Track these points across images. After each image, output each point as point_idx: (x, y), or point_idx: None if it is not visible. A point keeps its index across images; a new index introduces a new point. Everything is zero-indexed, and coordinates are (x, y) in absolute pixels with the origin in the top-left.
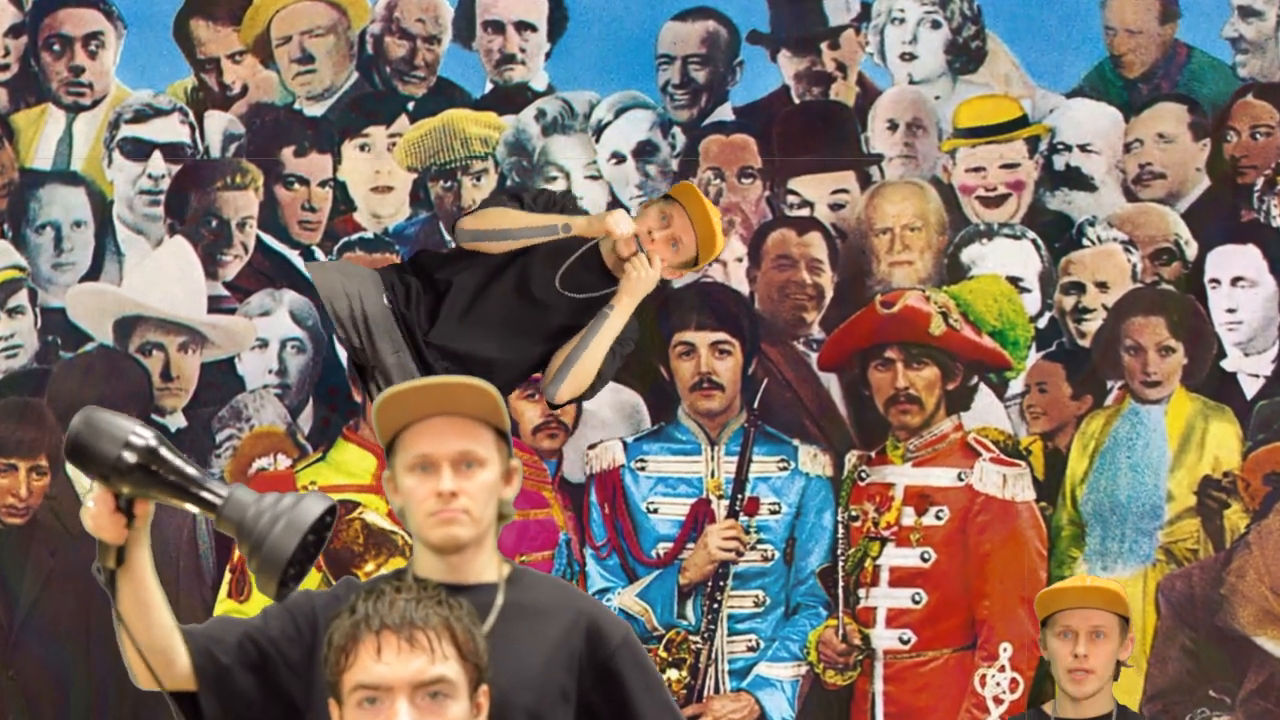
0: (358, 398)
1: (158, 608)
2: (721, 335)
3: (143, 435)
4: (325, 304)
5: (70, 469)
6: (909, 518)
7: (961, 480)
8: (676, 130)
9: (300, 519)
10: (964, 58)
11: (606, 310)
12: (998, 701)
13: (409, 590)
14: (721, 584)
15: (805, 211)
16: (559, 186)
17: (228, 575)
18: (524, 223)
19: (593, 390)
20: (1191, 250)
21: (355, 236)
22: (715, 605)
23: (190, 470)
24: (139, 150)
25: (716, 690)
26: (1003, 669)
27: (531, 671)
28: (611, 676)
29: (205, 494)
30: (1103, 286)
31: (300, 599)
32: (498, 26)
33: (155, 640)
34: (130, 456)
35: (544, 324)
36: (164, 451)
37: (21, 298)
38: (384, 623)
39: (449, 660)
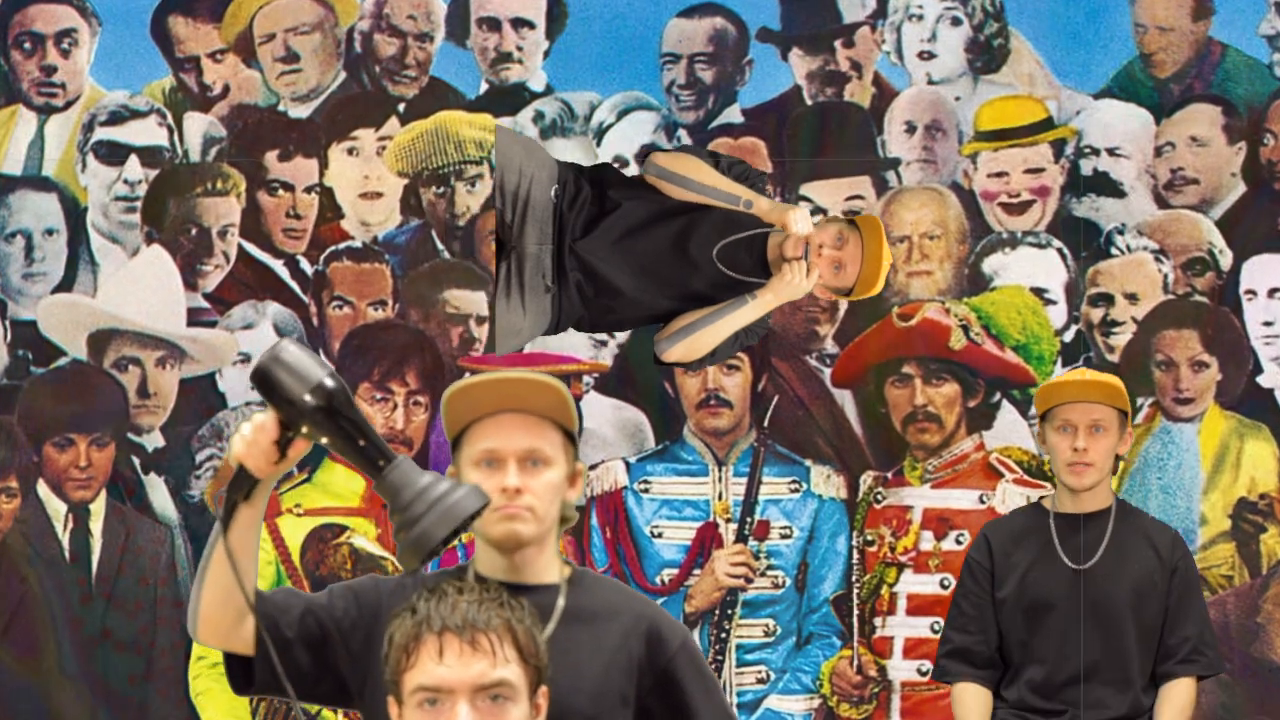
0: None
1: (254, 557)
2: None
3: (331, 380)
4: (496, 170)
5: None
6: (928, 542)
7: (983, 503)
8: (682, 133)
9: (456, 512)
10: (986, 56)
11: (747, 297)
12: None
13: (471, 591)
14: (730, 612)
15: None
16: None
17: None
18: (711, 181)
19: (699, 364)
20: (1226, 260)
21: (343, 245)
22: (723, 635)
23: (368, 428)
24: (114, 154)
25: None
26: None
27: (591, 677)
28: (670, 681)
29: (374, 455)
30: (1132, 298)
31: (367, 584)
32: (493, 23)
33: (245, 587)
34: (312, 399)
35: (684, 282)
36: (347, 402)
37: None
38: (445, 624)
39: (510, 663)
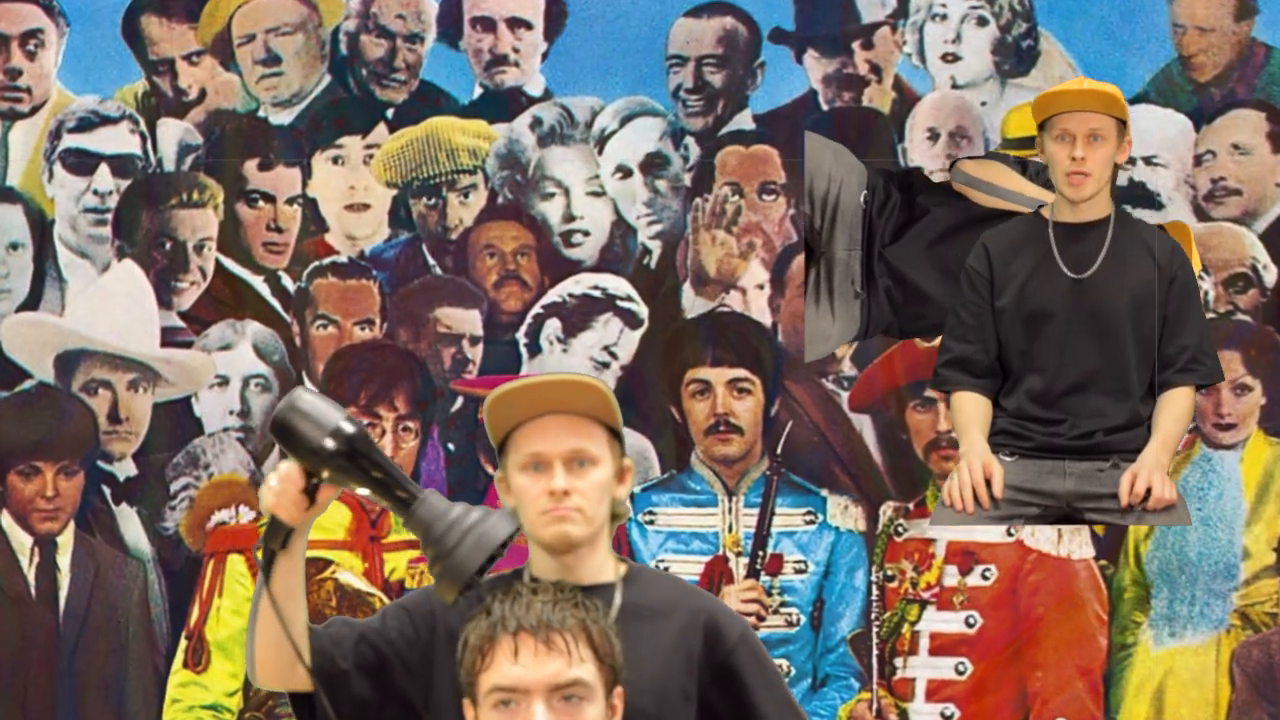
0: None
1: (301, 601)
2: (740, 372)
3: (349, 425)
4: (805, 175)
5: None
6: (952, 577)
7: (1011, 535)
8: (690, 140)
9: (490, 539)
10: (1014, 59)
11: None
12: None
13: (546, 592)
14: None
15: None
16: (558, 203)
17: (183, 642)
18: (1018, 187)
19: None
20: (1270, 275)
21: (327, 260)
22: None
23: (390, 466)
24: (83, 163)
25: None
26: None
27: (652, 674)
28: (730, 674)
29: (400, 492)
30: None
31: (419, 598)
32: (488, 23)
33: (295, 633)
34: (333, 444)
35: None
36: (367, 444)
37: None
38: (521, 625)
39: (585, 663)
